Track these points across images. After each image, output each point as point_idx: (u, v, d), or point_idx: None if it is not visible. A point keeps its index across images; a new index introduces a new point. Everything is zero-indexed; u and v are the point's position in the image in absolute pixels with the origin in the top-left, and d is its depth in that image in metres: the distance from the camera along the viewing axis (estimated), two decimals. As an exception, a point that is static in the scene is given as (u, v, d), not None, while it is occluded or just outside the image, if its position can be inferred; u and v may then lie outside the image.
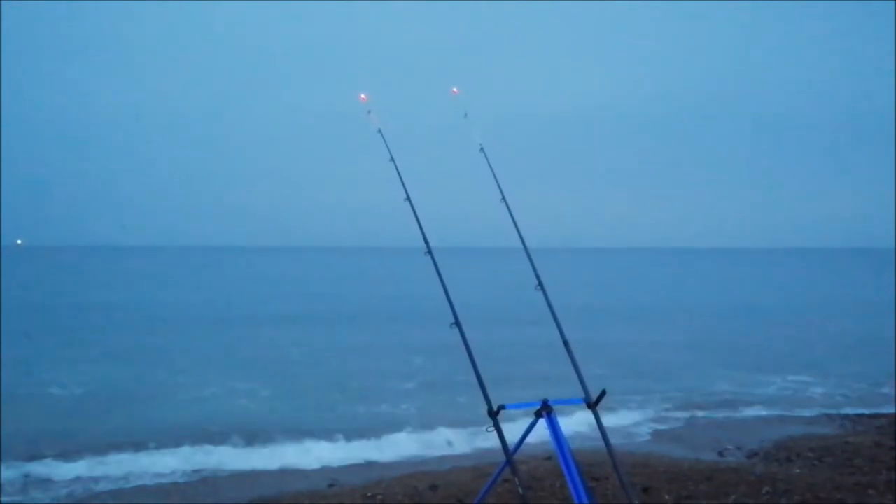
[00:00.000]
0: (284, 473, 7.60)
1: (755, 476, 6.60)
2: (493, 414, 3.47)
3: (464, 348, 3.66)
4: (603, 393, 3.59)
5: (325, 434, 8.90)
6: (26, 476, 7.29)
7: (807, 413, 10.53)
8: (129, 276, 51.42)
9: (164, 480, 7.32)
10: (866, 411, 10.46)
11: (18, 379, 12.50)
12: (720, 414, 10.54)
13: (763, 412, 10.63)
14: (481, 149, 4.62)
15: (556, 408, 3.52)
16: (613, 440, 3.82)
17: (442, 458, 8.13)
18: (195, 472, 7.57)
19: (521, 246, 4.40)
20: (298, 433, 8.93)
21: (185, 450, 8.19)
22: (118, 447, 8.20)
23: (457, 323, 3.72)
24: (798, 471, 6.88)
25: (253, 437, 8.80)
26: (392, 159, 4.45)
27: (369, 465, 7.95)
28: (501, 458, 3.54)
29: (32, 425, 9.47)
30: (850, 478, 6.53)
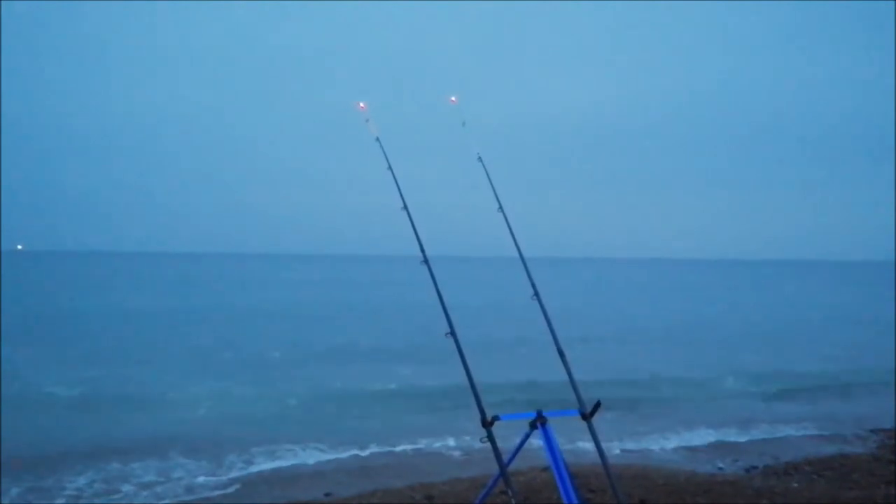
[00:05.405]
0: (280, 483, 7.55)
1: (753, 490, 6.56)
2: (488, 424, 3.44)
3: (459, 358, 3.64)
4: (598, 404, 3.56)
5: (319, 444, 8.87)
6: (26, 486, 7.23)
7: (805, 427, 10.46)
8: (114, 282, 51.32)
9: (156, 494, 7.21)
10: (865, 425, 10.39)
11: (14, 381, 12.49)
12: (719, 428, 10.47)
13: (764, 426, 10.57)
14: (479, 158, 4.62)
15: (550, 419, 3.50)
16: (610, 452, 3.79)
17: (438, 469, 8.07)
18: (188, 487, 7.42)
19: (517, 255, 4.38)
20: (292, 442, 8.89)
21: (174, 461, 8.08)
22: (99, 456, 8.12)
23: (452, 333, 3.70)
24: (796, 485, 6.84)
25: (244, 445, 8.73)
26: (390, 167, 4.44)
27: (365, 475, 7.89)
28: (496, 468, 3.50)
29: (30, 430, 9.44)
30: (848, 492, 6.49)
